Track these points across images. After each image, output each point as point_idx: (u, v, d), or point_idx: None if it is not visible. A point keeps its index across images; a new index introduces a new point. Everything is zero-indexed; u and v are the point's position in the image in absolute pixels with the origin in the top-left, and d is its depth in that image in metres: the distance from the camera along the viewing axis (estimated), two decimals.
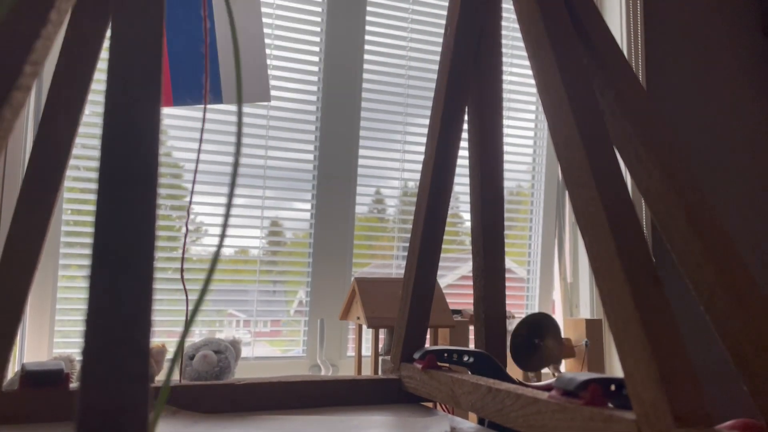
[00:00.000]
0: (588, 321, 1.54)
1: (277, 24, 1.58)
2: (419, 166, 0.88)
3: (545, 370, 1.49)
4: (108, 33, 0.43)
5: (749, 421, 0.47)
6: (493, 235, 0.85)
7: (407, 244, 0.87)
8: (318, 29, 1.63)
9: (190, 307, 0.97)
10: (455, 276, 1.77)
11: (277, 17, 1.58)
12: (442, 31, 0.88)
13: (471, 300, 0.87)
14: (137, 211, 0.39)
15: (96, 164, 0.39)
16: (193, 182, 1.03)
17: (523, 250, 1.84)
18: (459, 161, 0.86)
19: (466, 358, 0.76)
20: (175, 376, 1.27)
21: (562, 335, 1.56)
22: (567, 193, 0.63)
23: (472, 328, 1.32)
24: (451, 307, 1.39)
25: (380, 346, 1.25)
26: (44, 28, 0.47)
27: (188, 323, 0.37)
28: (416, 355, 0.80)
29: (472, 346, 0.88)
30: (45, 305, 1.35)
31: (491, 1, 0.87)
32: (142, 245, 0.38)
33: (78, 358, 1.17)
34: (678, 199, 0.54)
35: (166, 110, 1.39)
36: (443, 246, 0.86)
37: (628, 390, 0.47)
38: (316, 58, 1.63)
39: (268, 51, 1.54)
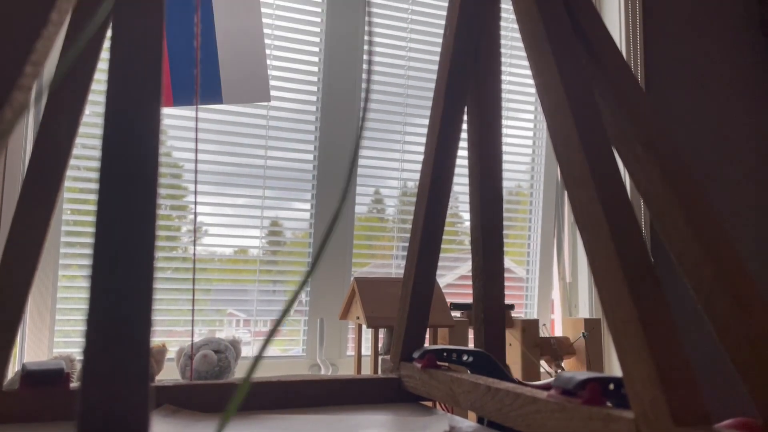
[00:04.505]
0: (587, 321, 1.54)
1: (277, 24, 1.58)
2: (418, 166, 0.88)
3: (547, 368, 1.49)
4: (108, 33, 0.44)
5: (748, 420, 0.47)
6: (492, 235, 0.86)
7: (407, 244, 0.87)
8: (318, 29, 1.63)
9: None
10: (454, 276, 1.77)
11: (277, 17, 1.58)
12: (442, 31, 0.88)
13: (470, 299, 0.88)
14: (137, 210, 0.39)
15: (96, 164, 0.39)
16: (195, 183, 1.03)
17: (522, 249, 1.84)
18: (458, 161, 0.86)
19: (465, 358, 0.77)
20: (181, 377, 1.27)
21: (561, 334, 1.56)
22: (566, 193, 0.63)
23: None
24: (452, 302, 1.39)
25: (380, 345, 1.25)
26: (45, 29, 0.47)
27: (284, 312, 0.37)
28: (416, 355, 0.81)
29: (471, 346, 0.88)
30: (45, 305, 1.35)
31: (491, 1, 0.87)
32: (143, 245, 0.39)
33: (78, 357, 1.18)
34: (677, 199, 0.54)
35: (166, 110, 1.39)
36: (442, 246, 0.86)
37: (627, 389, 0.47)
38: (315, 59, 1.63)
39: (267, 51, 1.54)
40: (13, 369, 1.20)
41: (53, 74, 0.50)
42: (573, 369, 1.55)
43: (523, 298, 1.83)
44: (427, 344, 0.85)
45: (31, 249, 0.67)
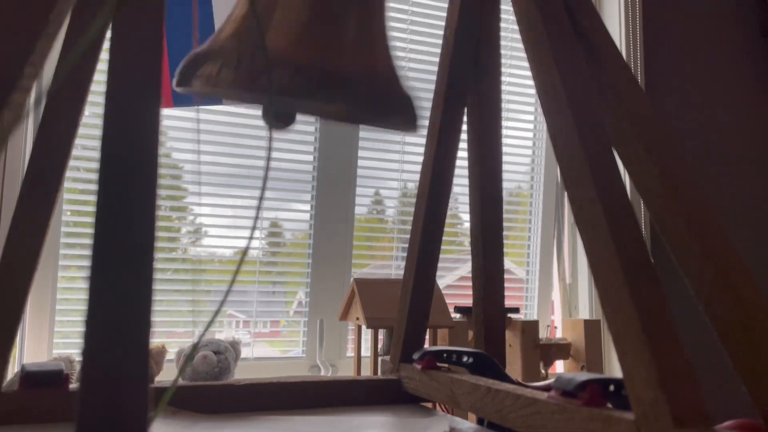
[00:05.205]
0: (587, 321, 1.54)
1: None
2: (418, 167, 0.88)
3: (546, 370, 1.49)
4: (108, 33, 0.43)
5: (748, 421, 0.47)
6: (492, 236, 0.85)
7: (406, 245, 0.87)
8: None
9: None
10: (454, 277, 1.77)
11: None
12: (442, 31, 0.88)
13: (470, 300, 0.88)
14: (137, 211, 0.39)
15: (96, 165, 0.39)
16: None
17: (522, 250, 1.84)
18: (458, 162, 0.86)
19: (465, 359, 0.77)
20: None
21: (560, 335, 1.56)
22: (566, 193, 0.63)
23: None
24: (455, 305, 1.40)
25: (379, 346, 1.25)
26: (44, 29, 0.47)
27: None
28: (415, 356, 0.80)
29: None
30: (45, 306, 1.35)
31: (491, 1, 0.87)
32: (142, 246, 0.38)
33: (78, 358, 1.17)
34: (677, 199, 0.54)
35: (166, 111, 1.39)
36: (442, 247, 0.86)
37: (627, 390, 0.47)
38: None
39: None
40: (12, 370, 1.20)
41: (52, 78, 0.50)
42: (571, 371, 1.54)
43: (523, 299, 1.82)
44: (426, 345, 0.85)
45: (31, 250, 0.67)
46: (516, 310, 1.47)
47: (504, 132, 0.86)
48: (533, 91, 1.82)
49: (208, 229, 1.53)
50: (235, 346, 1.30)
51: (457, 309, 1.40)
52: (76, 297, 1.40)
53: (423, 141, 0.87)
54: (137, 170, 0.40)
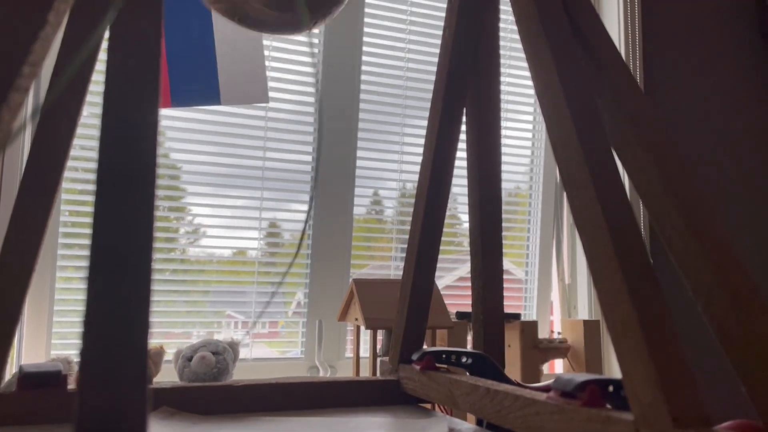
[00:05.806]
0: (586, 322, 1.54)
1: None
2: (417, 168, 0.88)
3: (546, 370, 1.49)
4: (107, 34, 0.43)
5: (748, 421, 0.47)
6: (491, 237, 0.85)
7: (405, 246, 0.87)
8: (317, 30, 1.63)
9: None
10: (453, 277, 1.77)
11: None
12: (441, 32, 0.88)
13: (469, 301, 0.87)
14: (135, 212, 0.39)
15: (94, 165, 0.39)
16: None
17: (521, 251, 1.84)
18: (457, 162, 0.86)
19: (464, 360, 0.76)
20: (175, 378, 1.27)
21: (561, 335, 1.56)
22: (565, 194, 0.63)
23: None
24: (455, 309, 1.40)
25: (378, 347, 1.24)
26: (42, 30, 0.47)
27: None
28: (414, 357, 0.80)
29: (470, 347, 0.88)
30: (43, 306, 1.35)
31: (490, 2, 0.87)
32: (140, 246, 0.38)
33: (76, 359, 1.17)
34: (676, 200, 0.54)
35: (164, 111, 1.39)
36: (441, 247, 0.86)
37: (626, 391, 0.47)
38: (314, 60, 1.63)
39: (266, 52, 1.54)
40: (10, 371, 1.19)
41: (46, 95, 0.50)
42: (570, 372, 1.54)
43: (522, 300, 1.82)
44: (425, 346, 0.85)
45: (29, 250, 0.67)
46: (517, 316, 1.47)
47: (503, 132, 0.86)
48: (533, 91, 1.82)
49: (207, 229, 1.53)
50: (233, 346, 1.30)
51: (459, 315, 1.40)
52: (74, 297, 1.40)
53: (422, 141, 0.87)
54: (135, 170, 0.40)
